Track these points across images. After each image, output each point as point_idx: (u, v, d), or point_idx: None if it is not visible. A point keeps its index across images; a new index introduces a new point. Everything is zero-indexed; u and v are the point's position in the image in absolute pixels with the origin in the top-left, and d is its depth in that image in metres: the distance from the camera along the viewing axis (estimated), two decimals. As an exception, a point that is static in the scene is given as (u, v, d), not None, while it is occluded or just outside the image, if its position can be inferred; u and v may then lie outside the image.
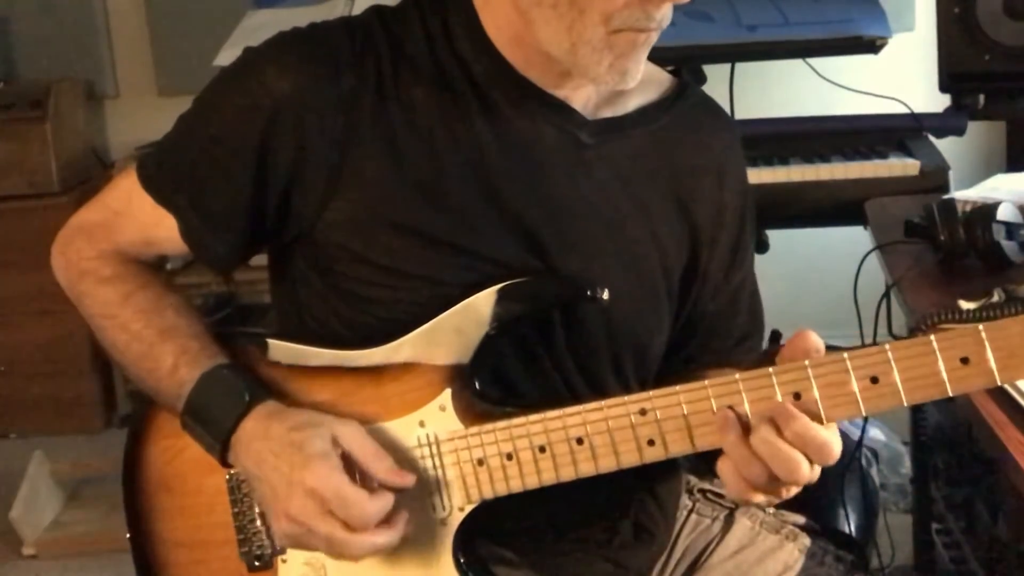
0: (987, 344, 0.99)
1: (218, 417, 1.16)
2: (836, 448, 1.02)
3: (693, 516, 1.37)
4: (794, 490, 1.06)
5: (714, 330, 1.32)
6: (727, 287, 1.31)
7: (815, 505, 1.43)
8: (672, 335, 1.30)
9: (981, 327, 1.00)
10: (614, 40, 1.10)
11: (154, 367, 1.21)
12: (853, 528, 2.19)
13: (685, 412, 1.07)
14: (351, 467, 1.10)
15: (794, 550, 1.32)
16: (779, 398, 1.03)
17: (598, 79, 1.13)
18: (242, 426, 1.14)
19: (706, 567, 1.33)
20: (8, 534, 2.94)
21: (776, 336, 2.37)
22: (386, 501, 1.09)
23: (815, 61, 2.66)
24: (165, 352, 1.20)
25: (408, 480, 1.11)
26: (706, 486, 1.40)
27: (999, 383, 1.01)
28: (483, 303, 1.13)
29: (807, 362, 1.03)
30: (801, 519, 1.36)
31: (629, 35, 1.10)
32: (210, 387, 1.17)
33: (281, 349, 1.21)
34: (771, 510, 1.37)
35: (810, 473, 1.02)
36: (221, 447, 1.15)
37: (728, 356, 1.30)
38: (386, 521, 1.10)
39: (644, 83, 1.24)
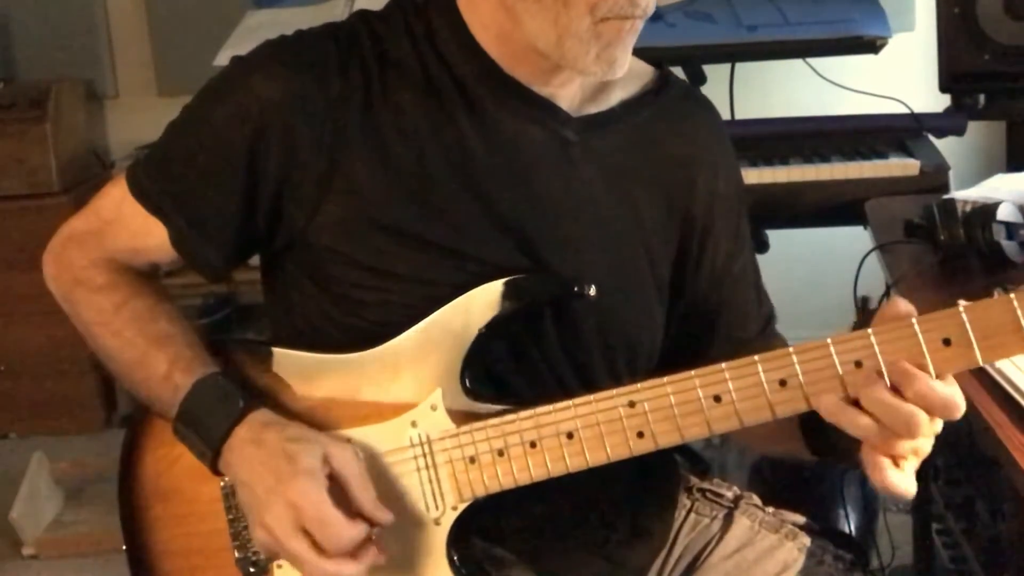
0: (968, 325, 1.00)
1: (211, 424, 1.15)
2: (959, 399, 1.01)
3: (692, 515, 1.37)
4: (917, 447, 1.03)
5: (732, 320, 1.31)
6: (730, 275, 1.31)
7: (815, 505, 1.43)
8: (688, 333, 1.30)
9: (962, 309, 1.01)
10: (601, 29, 1.11)
11: (147, 375, 1.21)
12: (853, 528, 2.19)
13: (673, 403, 1.07)
14: (336, 489, 1.10)
15: (793, 549, 1.31)
16: (765, 385, 1.04)
17: (586, 70, 1.14)
18: (235, 432, 1.14)
19: (705, 566, 1.33)
20: (8, 534, 2.94)
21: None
22: (361, 530, 1.09)
23: (815, 61, 2.67)
24: (159, 359, 1.20)
25: (387, 517, 1.11)
26: (705, 485, 1.40)
27: (981, 363, 1.02)
28: (473, 302, 1.14)
29: (791, 349, 1.04)
30: (800, 518, 1.36)
31: (615, 23, 1.11)
32: (204, 394, 1.17)
33: (273, 354, 1.21)
34: (770, 509, 1.37)
35: (930, 427, 1.01)
36: (213, 454, 1.15)
37: (755, 346, 1.28)
38: (353, 554, 1.09)
39: (626, 76, 1.24)
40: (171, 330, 1.23)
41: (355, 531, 1.09)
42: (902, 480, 1.03)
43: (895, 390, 1.01)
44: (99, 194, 1.29)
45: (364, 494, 1.11)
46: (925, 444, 1.03)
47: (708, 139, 1.30)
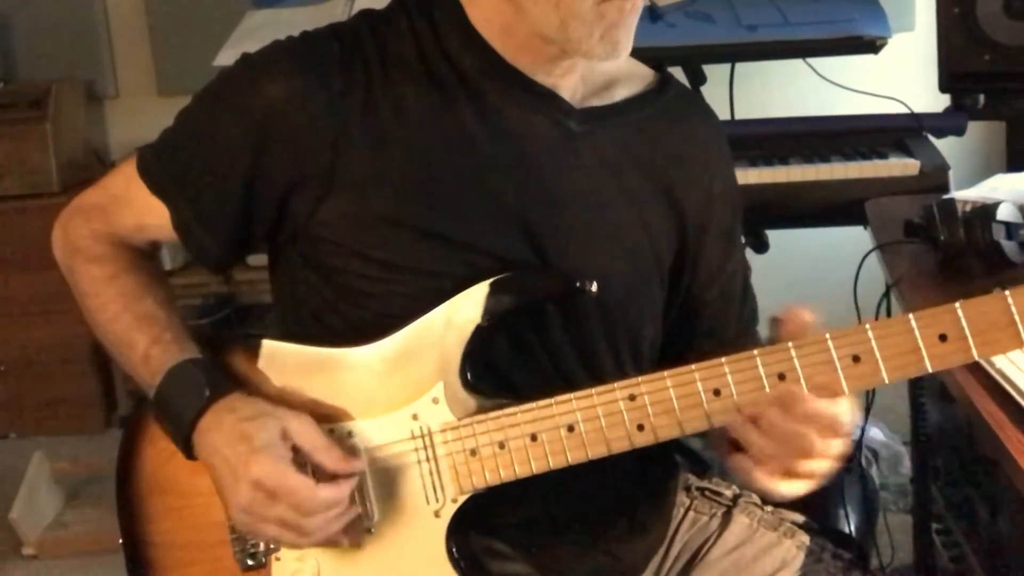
0: (963, 321, 1.01)
1: (180, 412, 1.18)
2: (844, 418, 1.05)
3: (691, 513, 1.38)
4: (814, 467, 1.07)
5: (716, 320, 1.33)
6: (722, 275, 1.33)
7: (814, 504, 1.43)
8: (672, 325, 1.31)
9: (957, 305, 1.02)
10: (604, 10, 1.12)
11: (129, 352, 1.24)
12: (853, 528, 2.19)
13: (673, 396, 1.08)
14: (302, 461, 1.12)
15: (792, 547, 1.32)
16: (764, 379, 1.06)
17: (590, 52, 1.15)
18: (201, 420, 1.16)
19: (704, 564, 1.33)
20: (8, 534, 2.94)
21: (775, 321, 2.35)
22: (338, 489, 1.12)
23: (815, 61, 2.66)
24: (139, 339, 1.23)
25: (358, 465, 1.14)
26: (704, 484, 1.40)
27: (976, 358, 1.03)
28: (474, 297, 1.15)
29: (790, 344, 1.05)
30: (800, 517, 1.36)
31: (617, 4, 1.13)
32: (175, 382, 1.19)
33: (273, 349, 1.22)
34: (769, 508, 1.37)
35: (823, 446, 1.05)
36: (184, 441, 1.18)
37: (736, 344, 1.30)
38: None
39: (629, 77, 1.27)
40: (156, 312, 1.25)
41: (331, 490, 1.11)
42: (781, 487, 1.08)
43: (785, 412, 1.04)
44: (111, 171, 1.33)
45: (328, 456, 1.13)
46: (820, 466, 1.06)
47: (706, 140, 1.32)
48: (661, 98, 1.29)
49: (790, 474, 1.07)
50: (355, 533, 1.16)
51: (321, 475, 1.13)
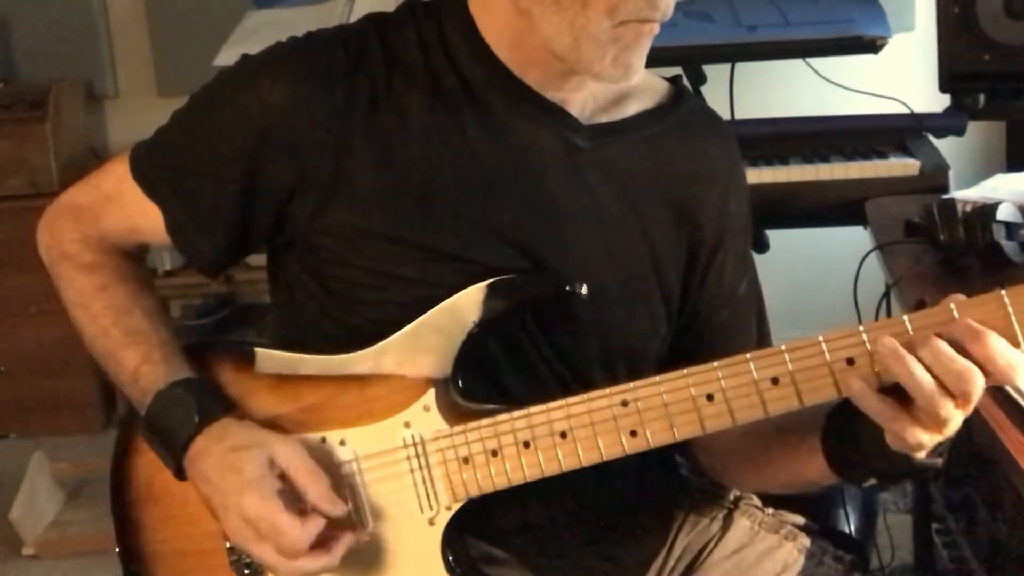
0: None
1: (170, 438, 1.17)
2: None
3: (692, 516, 1.37)
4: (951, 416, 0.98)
5: (730, 342, 1.29)
6: (734, 298, 1.30)
7: (815, 505, 1.43)
8: (679, 345, 1.29)
9: (953, 306, 0.99)
10: (619, 33, 1.10)
11: (118, 368, 1.23)
12: (853, 528, 2.18)
13: (665, 402, 1.07)
14: (290, 487, 1.12)
15: (793, 550, 1.32)
16: (756, 384, 1.04)
17: (602, 74, 1.12)
18: (192, 446, 1.16)
19: (705, 566, 1.33)
20: (8, 534, 2.94)
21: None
22: (317, 525, 1.10)
23: (815, 61, 2.67)
24: (128, 356, 1.22)
25: (336, 510, 1.11)
26: (705, 486, 1.40)
27: None
28: (464, 302, 1.14)
29: (783, 347, 1.04)
30: (800, 519, 1.36)
31: (634, 27, 1.10)
32: (164, 407, 1.18)
33: (265, 356, 1.21)
34: (770, 510, 1.37)
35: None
36: (176, 464, 1.17)
37: None
38: (324, 544, 1.11)
39: (642, 90, 1.24)
40: (144, 327, 1.24)
41: (310, 529, 1.10)
42: (925, 436, 1.00)
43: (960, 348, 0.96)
44: (101, 169, 1.30)
45: (312, 488, 1.11)
46: (955, 420, 0.99)
47: (720, 157, 1.29)
48: (674, 113, 1.27)
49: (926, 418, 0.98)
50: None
51: (305, 502, 1.12)
